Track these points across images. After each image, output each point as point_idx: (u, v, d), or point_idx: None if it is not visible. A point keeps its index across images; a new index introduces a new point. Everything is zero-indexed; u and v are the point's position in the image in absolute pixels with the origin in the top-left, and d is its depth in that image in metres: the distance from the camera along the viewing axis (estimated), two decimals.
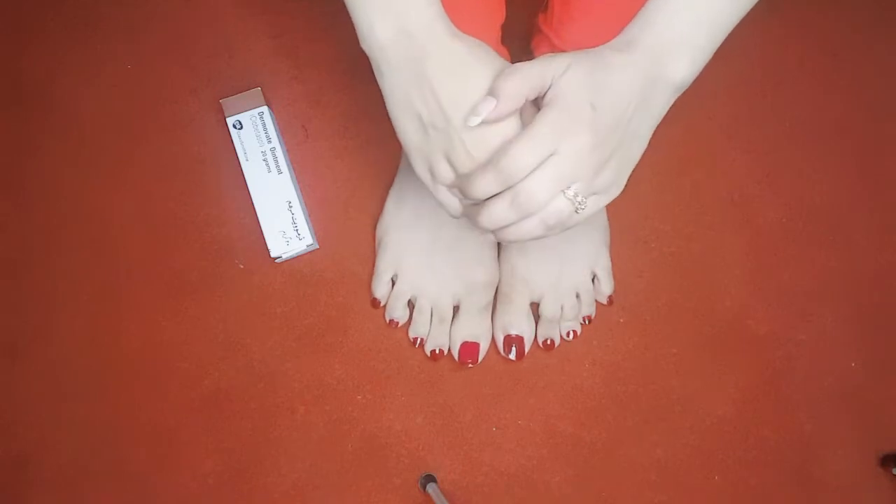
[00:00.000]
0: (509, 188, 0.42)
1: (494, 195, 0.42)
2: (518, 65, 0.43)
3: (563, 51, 0.48)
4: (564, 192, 0.43)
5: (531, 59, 0.53)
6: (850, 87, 0.69)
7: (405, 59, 0.40)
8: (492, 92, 0.42)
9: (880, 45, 0.70)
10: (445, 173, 0.43)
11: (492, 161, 0.42)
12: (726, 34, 0.43)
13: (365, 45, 0.41)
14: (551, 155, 0.41)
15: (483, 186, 0.42)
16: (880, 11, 0.70)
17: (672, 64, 0.42)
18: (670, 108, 0.47)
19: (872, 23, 0.70)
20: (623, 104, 0.43)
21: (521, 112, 0.43)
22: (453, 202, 0.44)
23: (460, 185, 0.43)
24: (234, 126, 0.64)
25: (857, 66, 0.69)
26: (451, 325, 0.61)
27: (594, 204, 0.45)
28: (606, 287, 0.62)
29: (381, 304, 0.63)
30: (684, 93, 0.47)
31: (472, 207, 0.44)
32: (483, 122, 0.41)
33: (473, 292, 0.60)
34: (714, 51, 0.44)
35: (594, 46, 0.46)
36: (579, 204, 0.43)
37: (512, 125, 0.41)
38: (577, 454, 0.62)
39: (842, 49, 0.69)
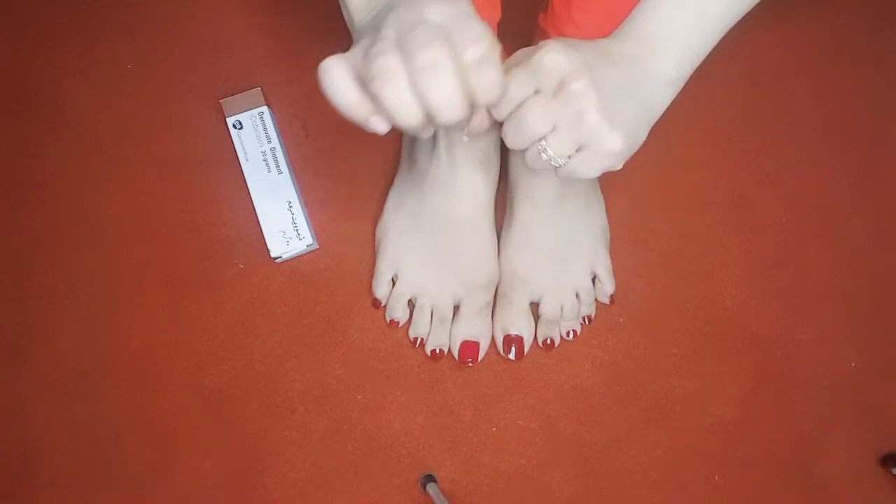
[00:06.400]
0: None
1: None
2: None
3: None
4: (538, 149, 0.41)
5: None
6: (850, 87, 0.69)
7: None
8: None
9: (880, 45, 0.70)
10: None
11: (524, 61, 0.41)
12: (719, 36, 0.44)
13: None
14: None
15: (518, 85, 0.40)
16: (880, 11, 0.70)
17: (658, 62, 0.43)
18: (670, 108, 0.47)
19: (872, 23, 0.70)
20: (605, 78, 0.41)
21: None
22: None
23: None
24: (234, 126, 0.64)
25: (857, 66, 0.69)
26: (451, 324, 0.62)
27: (584, 160, 0.42)
28: (608, 287, 0.62)
29: (382, 304, 0.63)
30: (684, 93, 0.47)
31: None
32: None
33: (473, 292, 0.60)
34: (707, 51, 0.44)
35: None
36: (555, 161, 0.41)
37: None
38: (577, 454, 0.62)
39: (842, 49, 0.69)
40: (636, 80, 0.43)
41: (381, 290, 0.62)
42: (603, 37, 0.46)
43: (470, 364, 0.61)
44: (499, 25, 0.49)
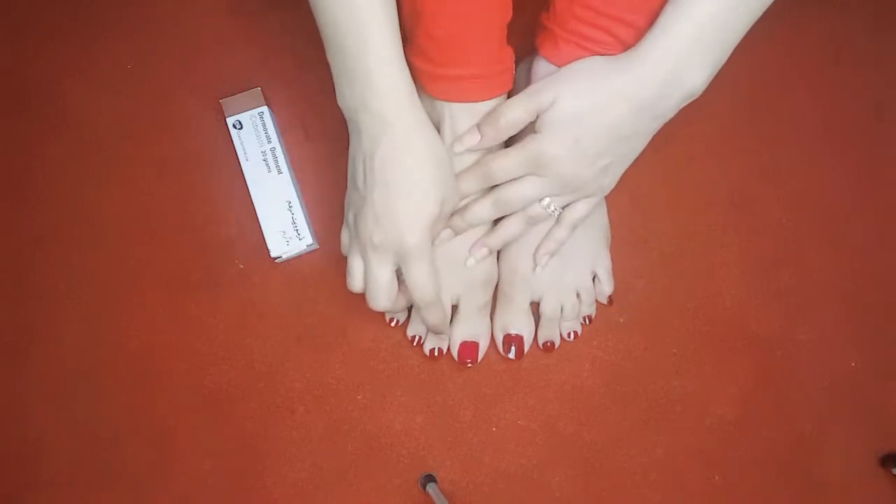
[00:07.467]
0: (491, 191, 0.52)
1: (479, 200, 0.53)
2: (506, 104, 0.49)
3: (567, 45, 0.48)
4: (539, 202, 0.52)
5: (532, 56, 0.53)
6: (850, 87, 0.69)
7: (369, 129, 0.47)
8: (479, 129, 0.50)
9: (880, 45, 0.70)
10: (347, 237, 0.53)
11: (479, 163, 0.51)
12: (737, 42, 0.45)
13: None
14: (530, 174, 0.50)
15: (469, 183, 0.52)
16: (880, 12, 0.70)
17: (687, 74, 0.45)
18: None
19: (872, 23, 0.70)
20: (612, 131, 0.47)
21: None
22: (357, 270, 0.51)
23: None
24: (234, 126, 0.64)
25: (857, 66, 0.69)
26: (451, 324, 0.61)
27: (584, 206, 0.53)
28: (607, 287, 0.62)
29: None
30: None
31: (456, 217, 0.54)
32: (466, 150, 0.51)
33: (472, 291, 0.60)
34: (726, 58, 0.45)
35: (598, 39, 0.46)
36: (552, 212, 0.53)
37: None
38: (577, 454, 0.62)
39: (842, 49, 0.69)
40: (649, 105, 0.46)
41: None
42: (603, 31, 0.46)
43: (469, 365, 0.61)
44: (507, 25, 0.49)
